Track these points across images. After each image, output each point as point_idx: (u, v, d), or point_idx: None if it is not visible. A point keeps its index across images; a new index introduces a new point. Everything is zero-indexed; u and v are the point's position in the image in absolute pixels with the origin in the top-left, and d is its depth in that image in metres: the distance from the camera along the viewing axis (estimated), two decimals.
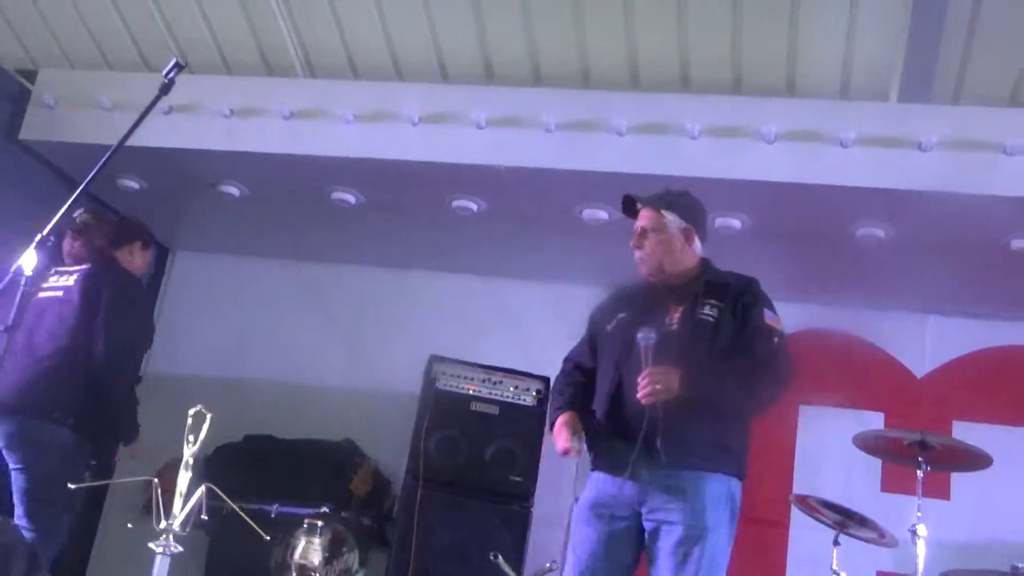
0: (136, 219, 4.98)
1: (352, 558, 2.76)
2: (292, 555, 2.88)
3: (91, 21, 5.67)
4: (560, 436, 3.40)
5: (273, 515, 4.89)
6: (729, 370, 3.24)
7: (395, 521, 5.55)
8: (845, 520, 4.64)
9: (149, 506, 2.62)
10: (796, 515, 5.41)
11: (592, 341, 3.65)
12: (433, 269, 6.30)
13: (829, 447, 5.51)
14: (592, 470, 3.48)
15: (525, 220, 5.47)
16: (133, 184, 5.69)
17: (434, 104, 5.07)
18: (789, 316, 5.76)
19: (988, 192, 4.48)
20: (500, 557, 3.58)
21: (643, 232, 3.54)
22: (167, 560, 2.49)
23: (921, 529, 4.25)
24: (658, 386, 3.14)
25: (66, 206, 3.10)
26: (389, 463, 5.92)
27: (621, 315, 3.49)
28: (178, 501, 2.55)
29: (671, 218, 3.52)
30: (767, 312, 3.35)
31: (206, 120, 5.26)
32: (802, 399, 5.81)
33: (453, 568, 5.19)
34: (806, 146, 4.66)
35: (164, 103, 5.03)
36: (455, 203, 5.38)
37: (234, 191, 5.64)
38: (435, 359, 5.61)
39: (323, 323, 6.47)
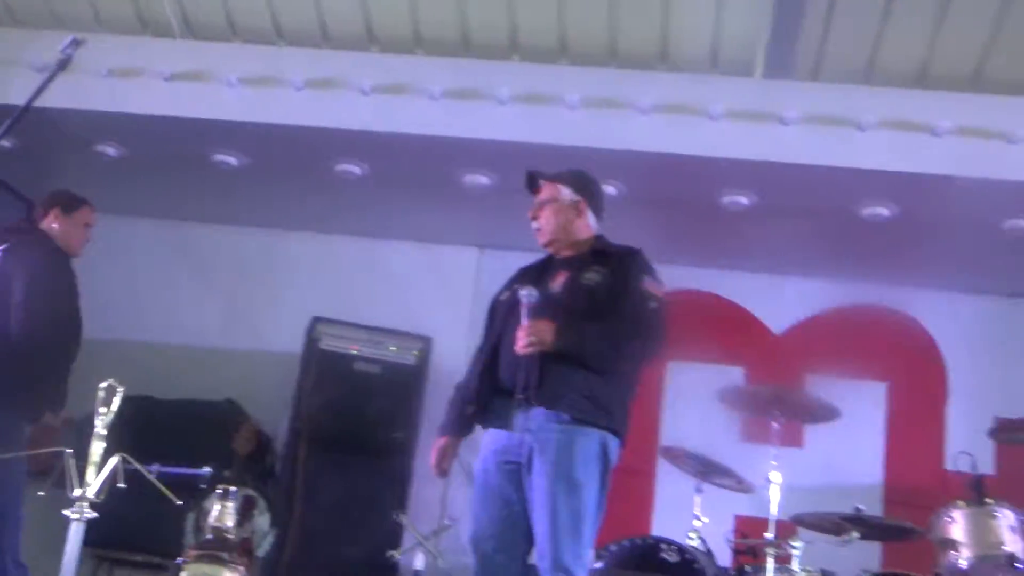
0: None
1: (263, 521, 2.87)
2: (207, 519, 2.97)
3: None
4: (433, 457, 3.73)
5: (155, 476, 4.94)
6: (601, 328, 3.48)
7: (278, 479, 5.68)
8: (706, 469, 4.99)
9: (60, 477, 2.69)
10: (663, 464, 5.74)
11: (491, 324, 3.83)
12: (316, 231, 6.38)
13: (694, 400, 5.84)
14: (483, 428, 3.69)
15: (407, 184, 5.60)
16: (4, 144, 5.56)
17: (318, 70, 5.14)
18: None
19: (842, 164, 4.84)
20: (405, 516, 3.72)
21: (540, 204, 3.75)
22: (82, 526, 2.57)
23: (775, 476, 4.57)
24: (533, 339, 3.38)
25: None
26: (271, 423, 5.98)
27: (516, 285, 3.69)
28: (92, 470, 2.62)
29: (565, 192, 3.73)
30: (646, 278, 3.59)
31: (83, 80, 5.17)
32: (669, 355, 6.15)
33: (336, 524, 5.35)
34: (678, 118, 4.92)
35: (37, 60, 5.02)
36: (338, 167, 5.46)
37: (111, 151, 5.57)
38: (317, 320, 5.72)
39: (204, 284, 6.47)
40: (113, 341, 6.15)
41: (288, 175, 5.68)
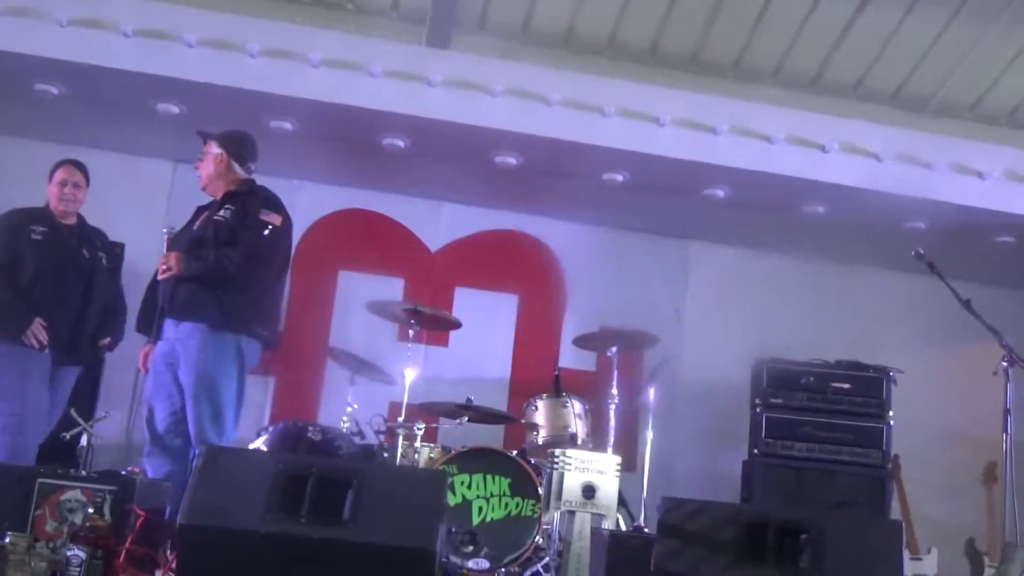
0: None
1: None
2: None
3: None
4: (141, 360, 4.78)
5: None
6: (217, 253, 4.48)
7: None
8: (359, 365, 6.05)
9: None
10: (329, 361, 6.75)
11: None
12: (21, 136, 6.71)
13: (359, 305, 6.72)
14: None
15: (105, 107, 6.17)
16: None
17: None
18: (332, 197, 7.11)
19: (477, 123, 5.94)
20: (72, 410, 4.61)
21: (203, 157, 4.64)
22: None
23: (408, 372, 5.63)
24: (164, 266, 4.43)
25: None
26: None
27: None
28: None
29: (216, 149, 4.63)
30: (263, 211, 4.57)
31: None
32: (340, 265, 7.15)
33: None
34: (344, 72, 5.81)
35: None
36: (38, 86, 5.95)
37: None
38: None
39: None
40: None
41: None
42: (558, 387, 5.75)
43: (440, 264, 7.31)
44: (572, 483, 3.65)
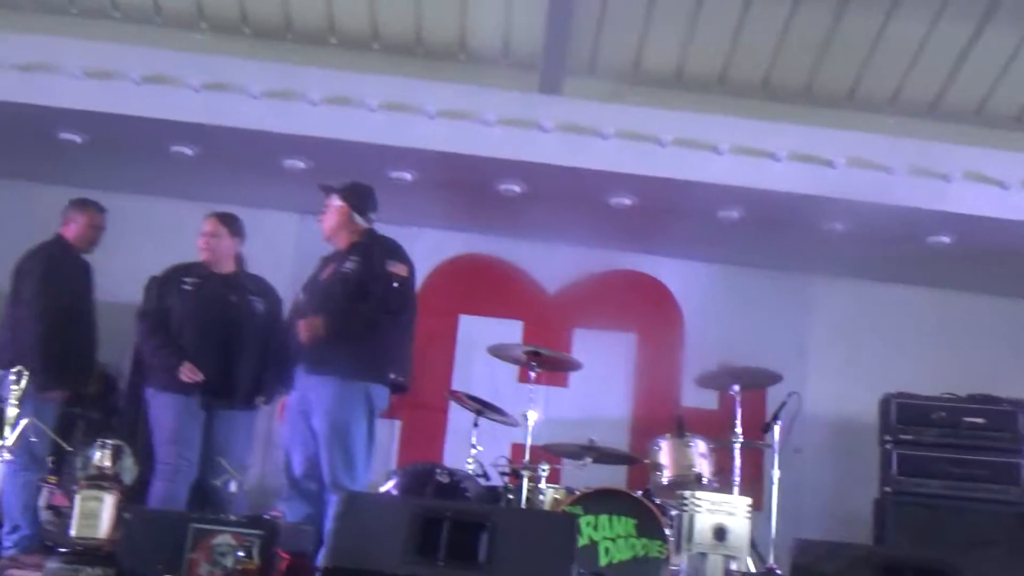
0: None
1: (130, 461, 3.90)
2: (91, 461, 4.00)
3: None
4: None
5: None
6: (355, 310, 4.67)
7: (122, 413, 6.54)
8: (482, 407, 6.12)
9: None
10: (453, 404, 6.85)
11: None
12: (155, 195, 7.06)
13: (480, 348, 6.79)
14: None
15: (235, 164, 6.47)
16: None
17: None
18: (450, 242, 7.25)
19: (590, 166, 6.03)
20: (224, 460, 4.79)
21: (326, 209, 4.87)
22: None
23: (530, 414, 5.68)
24: (309, 333, 4.61)
25: None
26: (115, 364, 6.79)
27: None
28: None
29: (337, 201, 4.91)
30: (389, 261, 4.70)
31: None
32: (461, 309, 7.28)
33: None
34: (460, 123, 5.97)
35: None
36: (173, 148, 6.29)
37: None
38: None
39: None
40: None
41: (123, 149, 6.47)
42: (681, 427, 5.71)
43: (558, 305, 7.38)
44: (703, 525, 3.64)
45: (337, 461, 4.52)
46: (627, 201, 6.36)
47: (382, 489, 5.38)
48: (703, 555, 3.62)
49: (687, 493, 3.85)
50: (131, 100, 5.93)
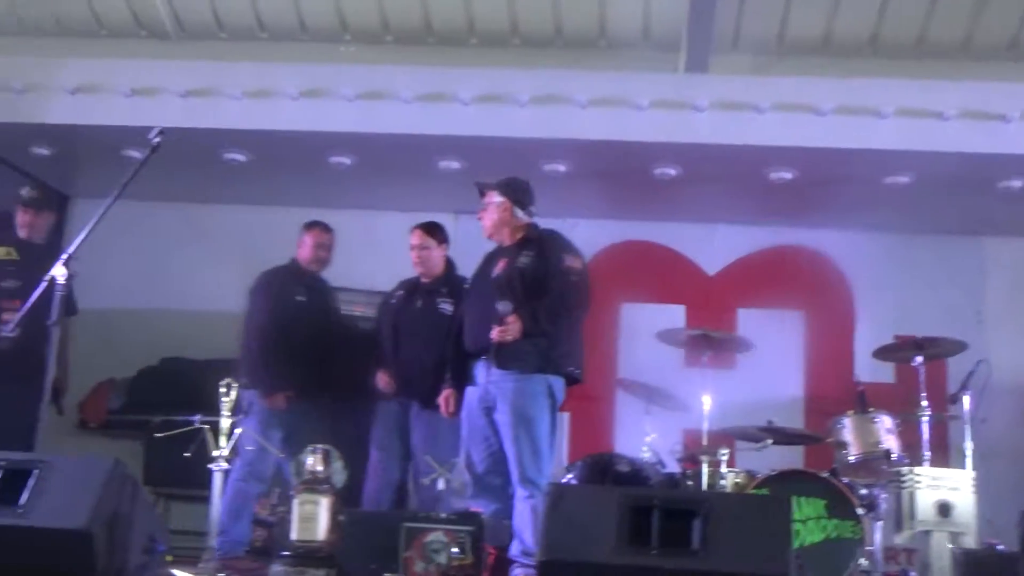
0: None
1: (339, 464, 4.01)
2: (304, 466, 4.14)
3: None
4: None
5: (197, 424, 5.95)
6: (544, 307, 4.62)
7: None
8: (652, 394, 6.07)
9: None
10: (621, 393, 6.81)
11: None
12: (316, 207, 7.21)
13: (644, 335, 6.72)
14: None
15: (390, 169, 6.57)
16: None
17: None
18: (607, 232, 7.20)
19: (748, 142, 5.89)
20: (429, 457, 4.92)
21: (485, 207, 4.83)
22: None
23: (705, 399, 5.63)
24: (508, 336, 4.55)
25: None
26: None
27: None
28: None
29: (497, 198, 4.84)
30: (565, 256, 4.67)
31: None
32: (623, 297, 7.22)
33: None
34: (611, 110, 5.92)
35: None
36: (332, 159, 6.43)
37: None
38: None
39: (213, 257, 7.37)
40: (146, 310, 7.18)
41: (284, 167, 6.66)
42: (864, 402, 5.52)
43: (719, 287, 7.25)
44: (925, 502, 3.49)
45: (525, 455, 4.53)
46: (788, 175, 6.19)
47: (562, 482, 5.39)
48: (927, 533, 3.46)
49: (904, 470, 3.70)
50: (289, 115, 6.09)
